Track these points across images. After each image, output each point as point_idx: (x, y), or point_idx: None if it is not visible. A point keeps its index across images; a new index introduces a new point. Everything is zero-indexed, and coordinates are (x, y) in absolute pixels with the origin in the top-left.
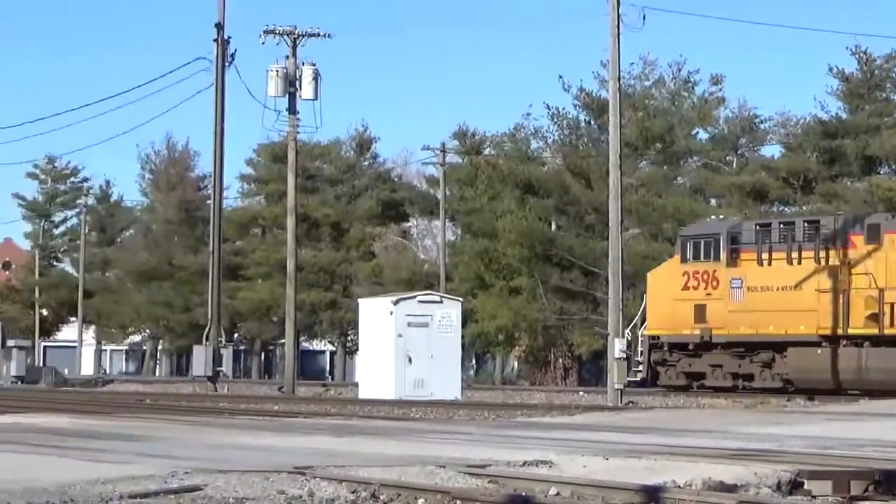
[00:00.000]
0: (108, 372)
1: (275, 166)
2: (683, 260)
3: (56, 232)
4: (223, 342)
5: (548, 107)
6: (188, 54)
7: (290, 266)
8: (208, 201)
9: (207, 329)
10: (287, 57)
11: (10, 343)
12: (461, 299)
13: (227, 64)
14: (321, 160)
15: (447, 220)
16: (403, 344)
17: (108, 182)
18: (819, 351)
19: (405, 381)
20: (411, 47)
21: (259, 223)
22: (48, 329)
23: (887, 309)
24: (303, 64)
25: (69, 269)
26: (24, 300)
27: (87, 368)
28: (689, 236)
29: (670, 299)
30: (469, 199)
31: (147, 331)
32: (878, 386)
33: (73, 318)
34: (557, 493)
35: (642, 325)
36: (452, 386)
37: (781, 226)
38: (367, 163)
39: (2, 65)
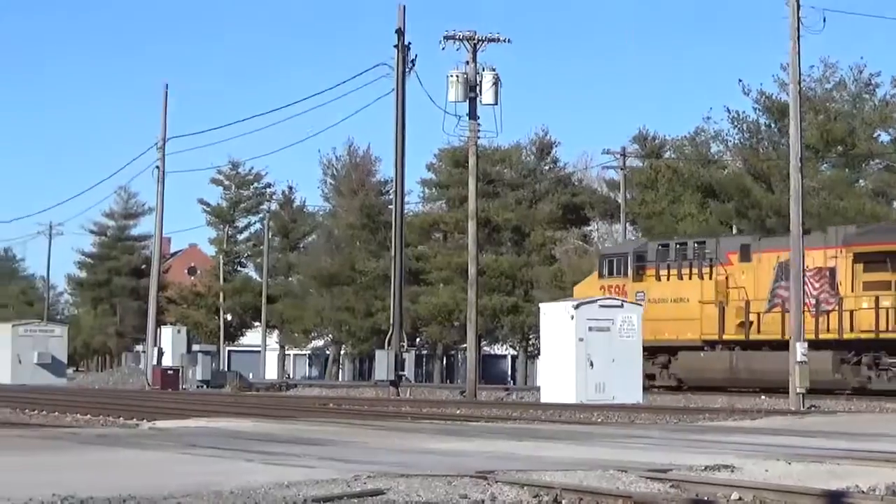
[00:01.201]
0: (291, 376)
1: (456, 171)
2: (601, 276)
3: (240, 237)
4: (405, 347)
5: (728, 110)
6: (369, 60)
7: (472, 270)
8: (390, 206)
9: (389, 334)
10: (467, 62)
11: (196, 348)
12: (642, 304)
13: (407, 70)
14: (502, 165)
15: (628, 223)
16: (584, 348)
17: (290, 187)
18: (702, 354)
19: (586, 385)
20: (591, 52)
21: (440, 228)
22: (233, 334)
23: (754, 318)
24: (483, 69)
25: (253, 274)
26: (208, 305)
27: (271, 373)
28: (605, 255)
29: None
30: (650, 202)
31: (330, 335)
32: (744, 384)
33: (256, 323)
34: (739, 498)
35: None
36: (633, 390)
37: (676, 246)
38: (547, 167)
39: (186, 72)
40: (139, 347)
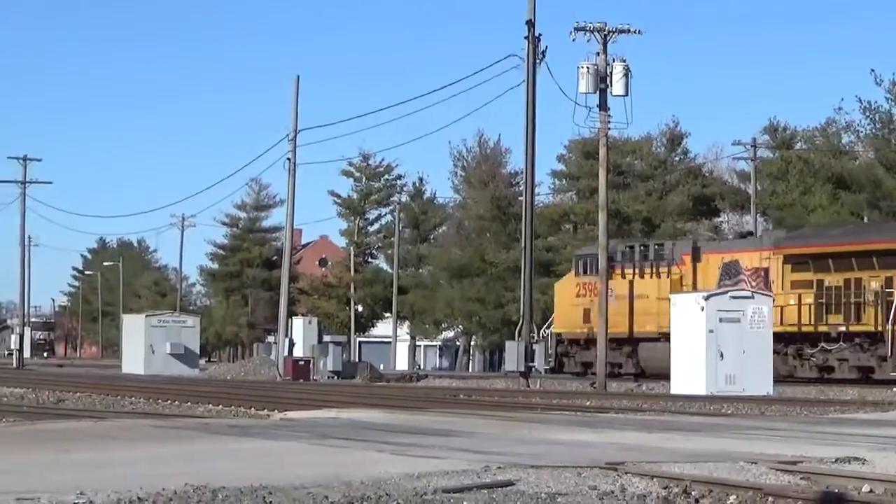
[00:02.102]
0: (422, 367)
1: (586, 162)
2: (577, 274)
3: (370, 229)
4: (535, 338)
5: (860, 100)
6: (499, 52)
7: (602, 262)
8: (520, 197)
9: (520, 325)
10: (597, 53)
11: (327, 338)
12: (772, 294)
13: (538, 61)
14: (632, 156)
15: (758, 214)
16: (715, 339)
17: (420, 179)
18: (658, 345)
19: (716, 377)
20: (721, 42)
21: (570, 219)
22: (363, 324)
23: None
24: (613, 60)
25: (383, 265)
26: (339, 296)
27: (402, 363)
28: (580, 255)
29: (569, 305)
30: (780, 193)
31: (460, 326)
32: None
33: (387, 314)
34: (870, 491)
35: (550, 325)
36: (764, 382)
37: (640, 248)
38: (677, 158)
39: (318, 64)
40: (270, 338)
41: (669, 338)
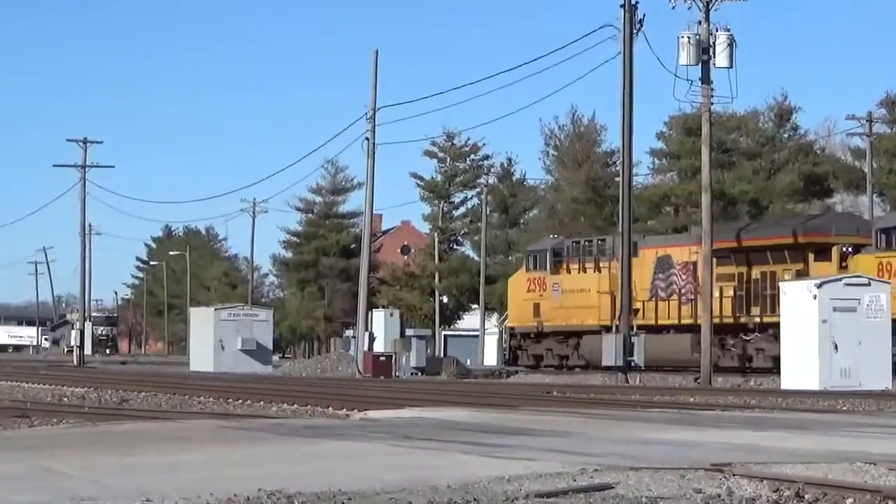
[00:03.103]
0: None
1: (687, 140)
2: (527, 269)
3: (456, 213)
4: (635, 330)
5: None
6: (593, 22)
7: (706, 248)
8: (616, 178)
9: (617, 316)
10: (699, 23)
11: (410, 332)
12: (891, 282)
13: (634, 31)
14: (737, 132)
15: (874, 194)
16: (828, 330)
17: (509, 159)
18: (600, 338)
19: (830, 370)
20: (832, 9)
21: (671, 201)
22: (449, 317)
23: (640, 306)
24: (716, 29)
25: (470, 252)
26: (423, 286)
27: (490, 359)
28: (531, 251)
29: (520, 299)
30: None
31: None
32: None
33: (474, 305)
34: None
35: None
36: (882, 375)
37: (585, 243)
38: (787, 134)
39: (397, 37)
40: (349, 332)
41: (609, 330)
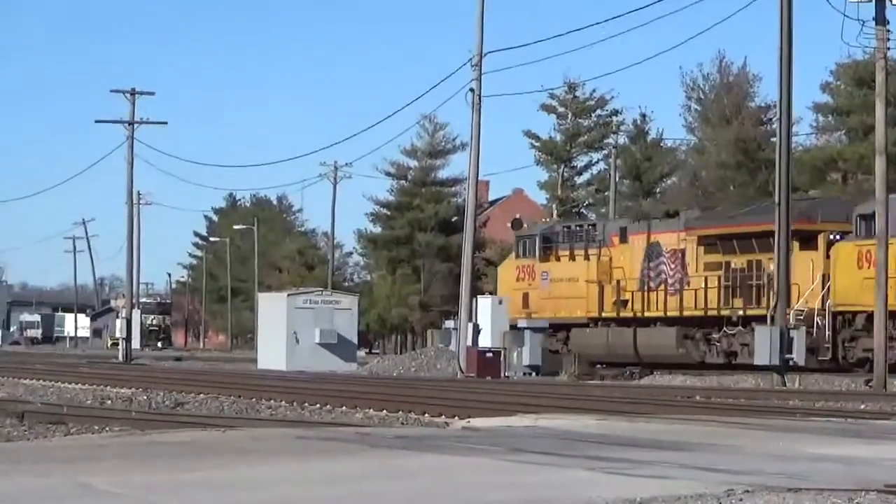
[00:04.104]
0: None
1: (858, 92)
2: (517, 256)
3: (578, 180)
4: (792, 322)
5: None
6: None
7: (880, 221)
8: (773, 139)
9: (773, 304)
10: None
11: (522, 323)
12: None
13: None
14: None
15: None
16: None
17: (643, 115)
18: (587, 331)
19: None
20: None
21: (838, 167)
22: None
23: (628, 296)
24: None
25: None
26: None
27: None
28: (521, 236)
29: (510, 289)
30: None
31: None
32: (619, 359)
33: None
34: None
35: None
36: None
37: (577, 228)
38: None
39: None
40: (449, 323)
41: (598, 322)
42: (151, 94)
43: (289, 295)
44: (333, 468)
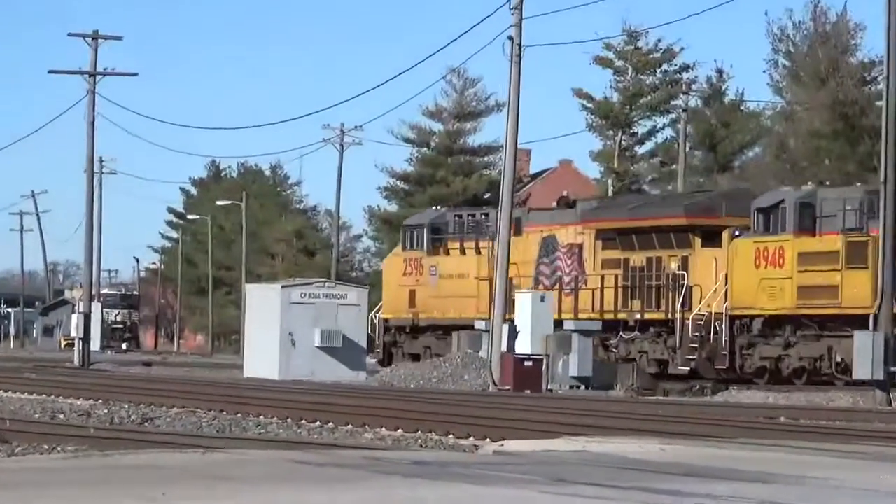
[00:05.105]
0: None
1: None
2: (404, 248)
3: (639, 150)
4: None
5: None
6: None
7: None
8: (878, 102)
9: (877, 305)
10: None
11: (570, 325)
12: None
13: None
14: None
15: None
16: None
17: (720, 72)
18: (475, 334)
19: None
20: None
21: None
22: None
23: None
24: None
25: None
26: None
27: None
28: (408, 226)
29: (396, 285)
30: None
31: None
32: None
33: None
34: None
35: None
36: None
37: (469, 218)
38: None
39: None
40: (480, 324)
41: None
42: (118, 38)
43: (283, 287)
44: (338, 499)
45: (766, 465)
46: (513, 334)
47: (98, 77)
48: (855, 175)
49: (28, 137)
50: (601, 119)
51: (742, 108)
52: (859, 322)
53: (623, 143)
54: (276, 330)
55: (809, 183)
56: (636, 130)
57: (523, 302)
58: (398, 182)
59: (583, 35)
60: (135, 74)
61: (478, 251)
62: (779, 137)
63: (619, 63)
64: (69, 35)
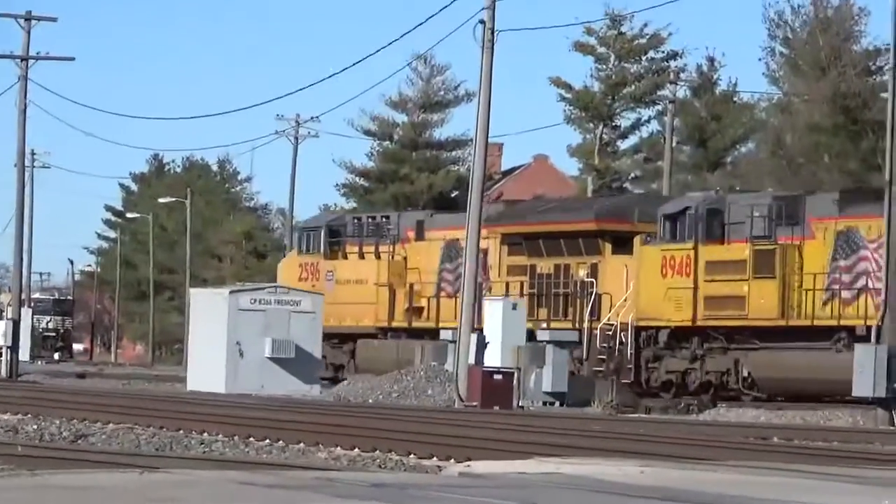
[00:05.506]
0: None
1: None
2: (300, 251)
3: (621, 145)
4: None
5: None
6: None
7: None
8: (883, 94)
9: (880, 316)
10: None
11: (544, 335)
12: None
13: None
14: None
15: None
16: None
17: (711, 60)
18: (375, 343)
19: None
20: None
21: None
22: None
23: (425, 303)
24: None
25: None
26: None
27: None
28: (305, 228)
29: None
30: None
31: None
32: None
33: None
34: None
35: None
36: None
37: (368, 220)
38: None
39: None
40: (445, 334)
41: (388, 333)
42: (53, 19)
43: (231, 292)
44: None
45: (754, 489)
46: (481, 345)
47: (31, 61)
48: (856, 173)
49: None
50: (580, 111)
51: (735, 99)
52: (765, 334)
53: (604, 137)
54: (222, 339)
55: (718, 188)
56: (619, 123)
57: (493, 309)
58: (357, 179)
59: (561, 19)
60: (71, 59)
61: (378, 255)
62: (775, 132)
63: (600, 50)
64: (0, 15)
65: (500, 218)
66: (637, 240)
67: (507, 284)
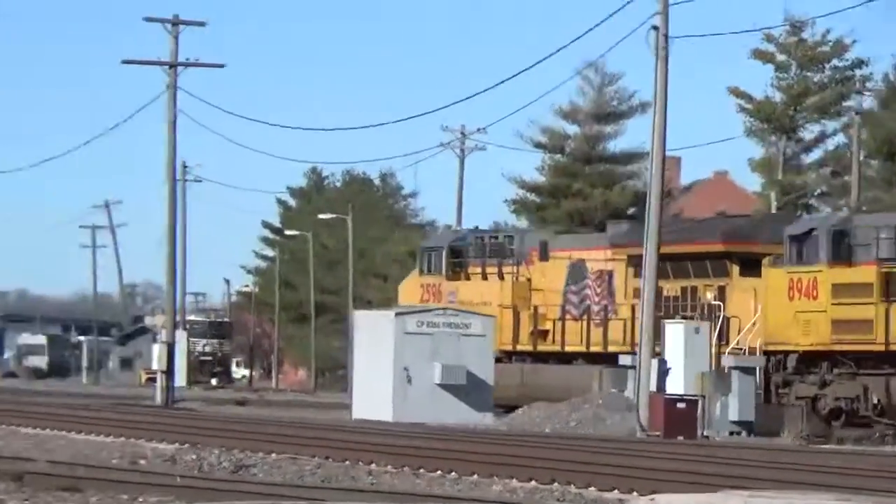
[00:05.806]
0: None
1: None
2: (421, 272)
3: (806, 159)
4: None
5: None
6: None
7: None
8: None
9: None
10: None
11: (729, 360)
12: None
13: None
14: None
15: None
16: None
17: None
18: (499, 367)
19: None
20: None
21: None
22: None
23: (549, 325)
24: None
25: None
26: None
27: None
28: (426, 248)
29: None
30: None
31: None
32: (533, 400)
33: None
34: None
35: None
36: None
37: (491, 240)
38: None
39: None
40: (625, 359)
41: (512, 357)
42: (201, 24)
43: (397, 314)
44: None
45: None
46: (663, 371)
47: (179, 68)
48: None
49: (99, 138)
50: (761, 122)
51: None
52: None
53: (788, 151)
54: (388, 364)
55: (845, 208)
56: (802, 136)
57: (674, 334)
58: (528, 194)
59: (739, 25)
60: (221, 66)
61: (501, 276)
62: None
63: (781, 58)
64: (145, 20)
65: (625, 239)
66: (765, 261)
67: (633, 307)
